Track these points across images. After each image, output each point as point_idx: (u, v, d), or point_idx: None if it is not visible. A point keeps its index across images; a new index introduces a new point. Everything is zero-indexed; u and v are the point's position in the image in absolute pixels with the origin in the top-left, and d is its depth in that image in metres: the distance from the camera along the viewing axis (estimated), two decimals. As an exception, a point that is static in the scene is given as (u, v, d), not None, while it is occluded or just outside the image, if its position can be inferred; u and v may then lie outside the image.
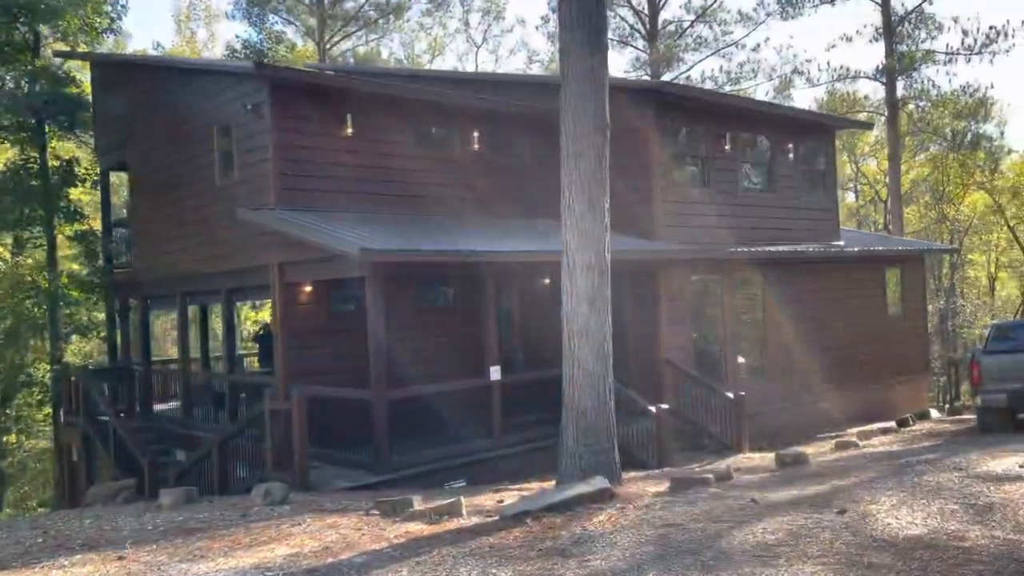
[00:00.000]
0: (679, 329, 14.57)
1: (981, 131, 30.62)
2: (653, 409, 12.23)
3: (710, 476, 8.49)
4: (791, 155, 17.02)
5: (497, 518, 6.84)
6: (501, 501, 8.55)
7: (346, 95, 12.98)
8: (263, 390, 11.57)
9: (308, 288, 12.45)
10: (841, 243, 18.10)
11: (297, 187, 12.50)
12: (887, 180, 45.37)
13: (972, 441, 11.87)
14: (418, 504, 7.65)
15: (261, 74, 12.25)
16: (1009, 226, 43.05)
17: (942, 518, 6.01)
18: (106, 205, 17.37)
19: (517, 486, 10.53)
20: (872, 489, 7.23)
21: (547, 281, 14.61)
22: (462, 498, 7.20)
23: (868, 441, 13.32)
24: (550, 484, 9.39)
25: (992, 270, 48.50)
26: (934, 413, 19.20)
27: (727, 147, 15.62)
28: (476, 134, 14.53)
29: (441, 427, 11.81)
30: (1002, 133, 49.22)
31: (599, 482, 7.03)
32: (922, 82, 30.60)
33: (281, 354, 12.04)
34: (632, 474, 11.32)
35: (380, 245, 10.31)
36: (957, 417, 18.41)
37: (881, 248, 18.83)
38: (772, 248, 15.85)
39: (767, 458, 12.31)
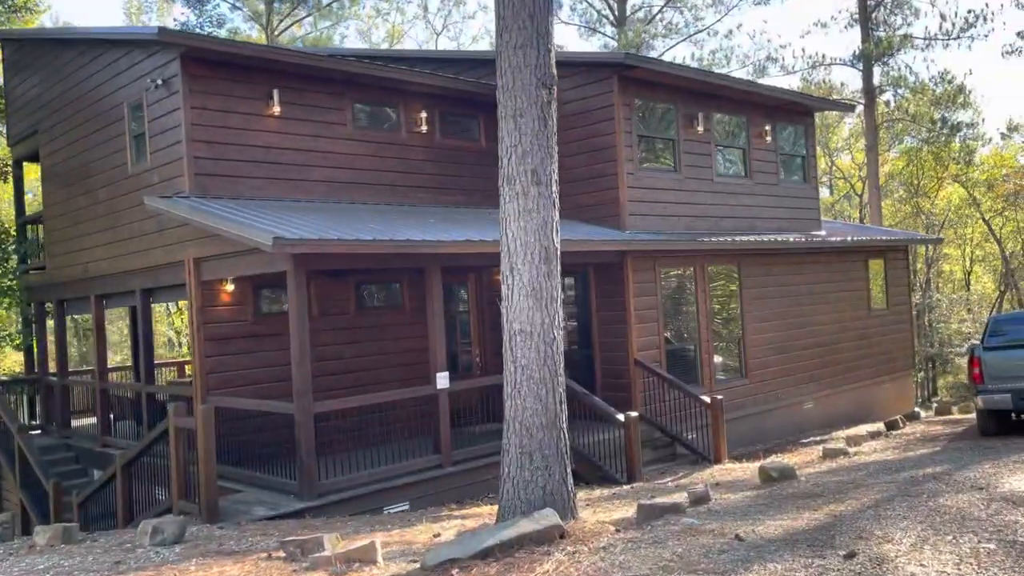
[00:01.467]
0: (650, 327, 13.26)
1: (959, 120, 29.66)
2: (621, 417, 10.90)
3: (684, 500, 7.16)
4: (769, 138, 15.78)
5: (417, 567, 5.45)
6: (438, 535, 7.17)
7: (272, 70, 11.52)
8: (184, 403, 10.07)
9: (230, 287, 10.98)
10: (822, 233, 16.91)
11: (216, 172, 11.02)
12: (862, 174, 44.72)
13: (976, 447, 10.66)
14: (331, 544, 6.23)
15: (169, 42, 10.75)
16: (984, 219, 42.41)
17: (979, 564, 4.70)
18: (19, 200, 15.75)
19: (463, 511, 9.14)
20: (881, 519, 5.92)
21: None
22: (377, 543, 5.78)
23: (858, 448, 12.09)
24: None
25: (967, 264, 47.94)
26: (922, 413, 18.08)
27: (700, 129, 14.34)
28: (424, 115, 13.13)
29: (383, 443, 10.39)
30: (983, 120, 48.43)
31: (547, 517, 5.66)
32: (899, 69, 29.63)
33: (198, 362, 10.55)
34: (597, 492, 9.97)
35: (301, 234, 8.87)
36: (947, 417, 17.30)
37: (865, 238, 17.66)
38: (750, 238, 14.61)
39: (749, 470, 11.02)
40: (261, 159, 11.45)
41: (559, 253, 6.24)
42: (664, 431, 12.59)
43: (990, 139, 35.48)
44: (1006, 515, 5.73)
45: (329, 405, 9.63)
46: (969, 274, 48.57)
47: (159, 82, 11.00)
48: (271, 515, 8.79)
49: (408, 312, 12.89)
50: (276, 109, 11.45)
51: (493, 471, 10.51)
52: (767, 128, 15.75)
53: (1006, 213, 41.84)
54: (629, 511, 7.52)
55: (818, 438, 15.07)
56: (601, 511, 8.11)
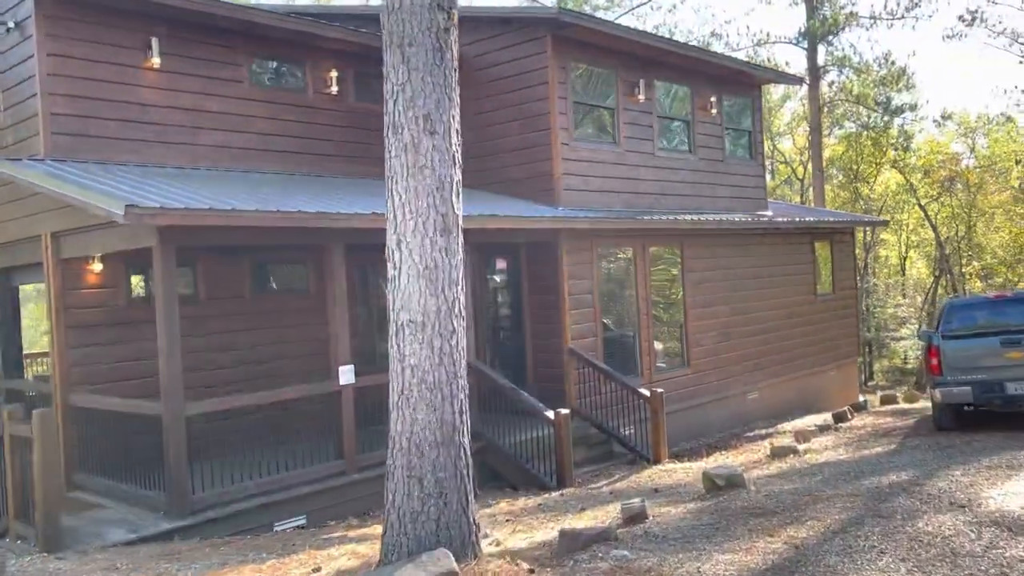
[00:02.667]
0: (586, 313, 12.09)
1: (902, 102, 29.23)
2: (551, 414, 9.70)
3: (616, 521, 5.99)
4: (714, 111, 14.71)
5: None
6: (317, 570, 5.86)
7: (151, 15, 9.92)
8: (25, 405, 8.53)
9: (98, 266, 9.42)
10: (769, 214, 15.96)
11: (82, 133, 9.43)
12: (803, 158, 44.50)
13: (935, 445, 9.75)
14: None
15: (18, -25, 9.10)
16: (920, 205, 42.55)
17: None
18: None
19: (362, 530, 7.83)
20: (853, 553, 4.82)
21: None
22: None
23: (808, 444, 11.11)
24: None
25: (903, 249, 48.22)
26: (869, 402, 17.34)
27: (641, 97, 13.16)
28: (335, 74, 11.66)
29: (280, 447, 9.00)
30: (927, 101, 48.51)
31: (439, 561, 4.40)
32: (843, 49, 29.02)
33: (56, 354, 8.99)
34: (521, 502, 8.74)
35: (163, 203, 7.40)
36: (894, 407, 16.54)
37: (812, 219, 16.79)
38: (694, 217, 13.53)
39: (692, 472, 9.94)
40: (138, 119, 9.87)
41: (461, 223, 4.95)
42: (600, 427, 11.46)
43: (922, 128, 35.27)
44: (1005, 549, 4.67)
45: (203, 406, 8.20)
46: (905, 259, 48.92)
47: (11, 24, 9.33)
48: (130, 539, 7.35)
49: (315, 297, 11.46)
50: (155, 61, 9.88)
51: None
52: (712, 100, 14.67)
53: (941, 199, 42.07)
54: (552, 532, 6.33)
55: (764, 431, 14.14)
56: (520, 531, 6.90)
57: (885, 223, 21.16)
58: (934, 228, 42.09)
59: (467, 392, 4.95)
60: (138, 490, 8.29)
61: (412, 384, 4.72)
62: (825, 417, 15.04)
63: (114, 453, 8.65)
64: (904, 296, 45.80)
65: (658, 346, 13.69)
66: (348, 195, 10.12)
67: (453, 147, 4.96)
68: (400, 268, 4.76)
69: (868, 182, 44.53)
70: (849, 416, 14.19)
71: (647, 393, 10.96)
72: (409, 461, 4.75)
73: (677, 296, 13.92)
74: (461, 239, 4.93)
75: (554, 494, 9.12)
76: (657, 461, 10.83)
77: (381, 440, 9.84)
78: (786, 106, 48.15)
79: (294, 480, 8.71)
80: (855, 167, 44.69)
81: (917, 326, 41.64)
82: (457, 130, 5.01)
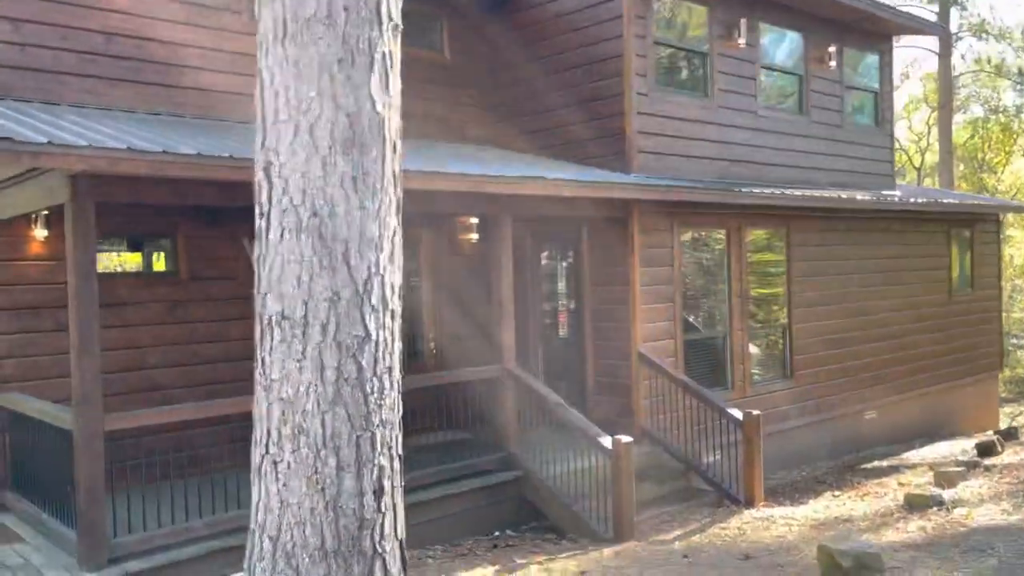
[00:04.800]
0: (662, 310, 9.63)
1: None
2: (607, 442, 7.31)
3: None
4: (833, 64, 11.91)
5: None
6: None
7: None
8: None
9: (41, 232, 7.53)
10: (897, 194, 13.04)
11: (21, 65, 7.57)
12: (922, 144, 40.49)
13: None
14: None
15: None
16: (1055, 197, 37.97)
17: None
18: None
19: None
20: None
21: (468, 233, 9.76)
22: None
23: (955, 491, 8.37)
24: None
25: (1032, 248, 43.32)
26: (1020, 428, 14.19)
27: (741, 42, 10.53)
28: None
29: (244, 472, 6.92)
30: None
31: None
32: (978, 14, 25.26)
33: (-18, 342, 7.17)
34: (560, 563, 6.41)
35: (64, 139, 5.38)
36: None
37: (952, 201, 13.76)
38: (805, 193, 10.84)
39: (796, 525, 7.40)
40: (101, 50, 7.96)
41: (391, 129, 2.62)
42: (676, 455, 9.00)
43: None
44: None
45: (134, 419, 6.18)
46: (1033, 259, 43.99)
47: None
48: (13, 599, 5.40)
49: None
50: (125, -20, 7.94)
51: (421, 512, 7.13)
52: (831, 50, 11.86)
53: (1080, 191, 37.43)
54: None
55: (886, 462, 11.36)
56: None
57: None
58: (1070, 224, 37.41)
59: (398, 450, 2.67)
60: (57, 524, 6.35)
61: (283, 435, 2.48)
62: (964, 447, 12.14)
63: (47, 470, 6.74)
64: (1033, 300, 41.24)
65: (752, 350, 11.10)
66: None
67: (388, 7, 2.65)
68: (269, 216, 2.52)
69: (995, 172, 40.34)
70: (998, 448, 11.24)
71: (739, 416, 8.43)
72: (275, 555, 2.50)
73: (780, 292, 11.25)
74: (398, 166, 2.64)
75: (607, 551, 6.75)
76: (750, 504, 8.31)
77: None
78: (903, 87, 43.95)
79: (234, 522, 6.60)
80: (981, 155, 40.58)
81: (1050, 333, 37.17)
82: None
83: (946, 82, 25.11)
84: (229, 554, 6.31)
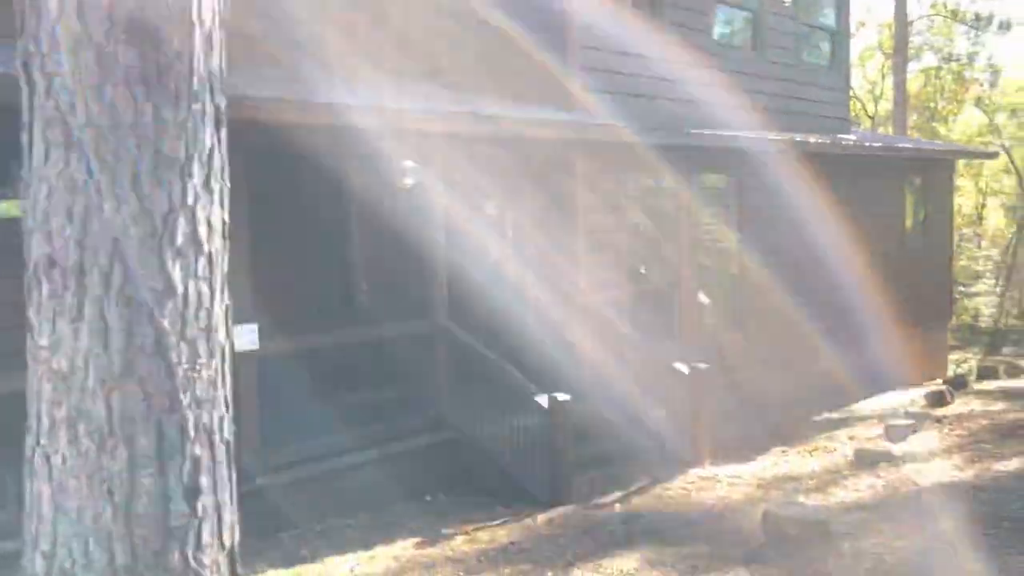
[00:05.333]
0: (609, 258, 9.12)
1: (1007, 17, 25.08)
2: (543, 400, 6.81)
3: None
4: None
5: None
6: None
7: None
8: None
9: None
10: (852, 138, 12.62)
11: None
12: (877, 91, 40.39)
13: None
14: None
15: None
16: (1005, 147, 38.20)
17: None
18: None
19: (273, 558, 5.12)
20: None
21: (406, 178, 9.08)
22: None
23: (904, 445, 8.09)
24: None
25: (981, 198, 43.79)
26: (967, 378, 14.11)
27: (693, -28, 9.89)
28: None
29: None
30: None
31: None
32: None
33: None
34: (487, 533, 5.91)
35: None
36: (998, 384, 13.31)
37: (909, 147, 13.39)
38: (758, 135, 10.33)
39: (742, 485, 7.05)
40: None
41: (202, 9, 1.96)
42: (622, 412, 8.55)
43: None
44: None
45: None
46: (982, 208, 44.53)
47: None
48: None
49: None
50: None
51: (349, 477, 6.61)
52: (787, -15, 11.30)
53: (1030, 142, 37.69)
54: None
55: (837, 414, 11.12)
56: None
57: (993, 155, 17.54)
58: (1019, 174, 37.72)
59: (226, 436, 2.07)
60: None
61: (56, 420, 1.88)
62: (914, 396, 11.97)
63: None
64: (980, 247, 41.90)
65: (704, 301, 10.68)
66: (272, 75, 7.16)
67: None
68: (31, 128, 1.89)
69: (947, 121, 40.51)
70: (948, 398, 11.05)
71: (685, 369, 7.99)
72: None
73: (731, 238, 10.81)
74: (214, 66, 2.00)
75: (541, 517, 6.29)
76: (696, 461, 7.92)
77: (325, 423, 7.16)
78: (858, 35, 43.72)
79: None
80: (933, 105, 40.64)
81: (994, 281, 37.70)
82: None
83: (901, 27, 24.75)
84: None
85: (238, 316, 6.15)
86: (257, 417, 6.40)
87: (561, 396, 6.70)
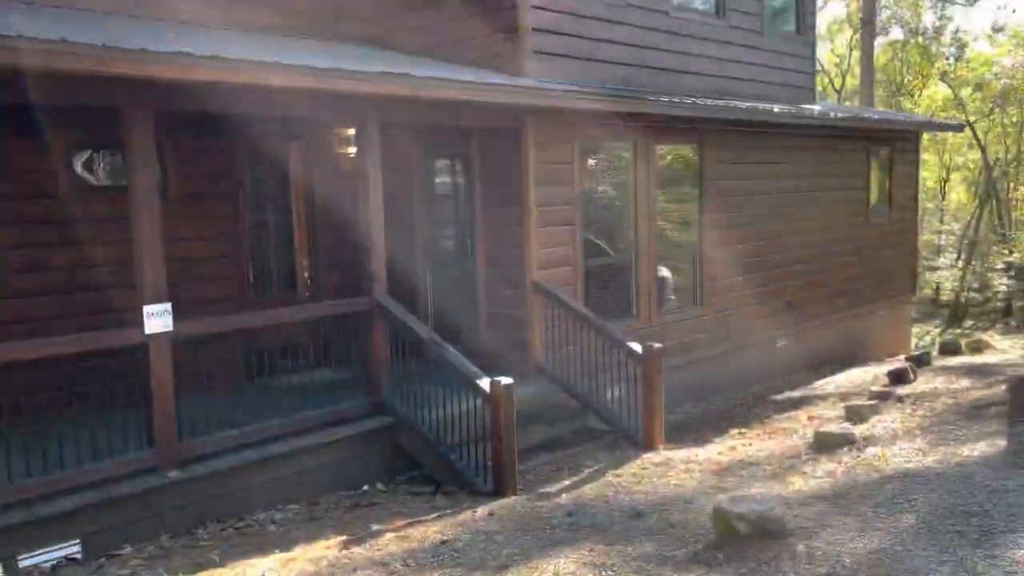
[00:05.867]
0: (562, 233, 8.67)
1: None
2: (485, 383, 6.37)
3: None
4: (753, -38, 10.88)
5: None
6: None
7: None
8: None
9: None
10: (817, 108, 12.25)
11: None
12: (844, 66, 40.29)
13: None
14: None
15: None
16: (969, 122, 38.33)
17: None
18: None
19: (179, 556, 4.65)
20: None
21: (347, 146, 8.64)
22: None
23: (867, 427, 7.77)
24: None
25: (944, 172, 44.00)
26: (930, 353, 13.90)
27: (653, -69, 9.37)
28: None
29: (47, 431, 5.78)
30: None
31: None
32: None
33: None
34: (420, 529, 5.46)
35: None
36: (962, 361, 13.09)
37: (875, 118, 13.06)
38: (719, 103, 9.90)
39: (697, 471, 6.69)
40: None
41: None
42: (574, 394, 8.16)
43: (976, 37, 31.23)
44: None
45: None
46: (945, 183, 44.78)
47: None
48: None
49: (174, 200, 8.05)
50: None
51: (279, 467, 6.15)
52: (751, -53, 10.82)
53: (992, 117, 37.79)
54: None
55: (798, 392, 10.83)
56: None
57: (960, 127, 17.32)
58: (982, 148, 37.84)
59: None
60: None
61: None
62: (877, 373, 11.71)
63: None
64: (942, 222, 42.26)
65: (665, 275, 10.30)
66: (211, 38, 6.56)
67: None
68: None
69: (912, 96, 40.62)
70: (911, 375, 10.77)
71: (639, 350, 7.59)
72: None
73: (691, 213, 10.41)
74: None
75: (481, 510, 5.87)
76: (649, 447, 7.55)
77: (246, 409, 6.62)
78: (826, 8, 43.62)
79: (65, 483, 5.50)
80: (900, 79, 40.71)
81: (955, 255, 37.92)
82: None
83: (868, 2, 24.40)
84: (22, 530, 5.21)
85: (150, 295, 5.61)
86: (172, 404, 5.88)
87: (504, 380, 6.25)
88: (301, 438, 6.72)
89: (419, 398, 6.96)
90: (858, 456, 6.73)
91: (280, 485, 6.50)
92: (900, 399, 9.19)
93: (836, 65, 43.40)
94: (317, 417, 6.89)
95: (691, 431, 8.86)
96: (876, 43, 36.43)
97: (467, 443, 6.70)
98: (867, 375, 11.79)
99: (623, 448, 7.64)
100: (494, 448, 6.31)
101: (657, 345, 7.58)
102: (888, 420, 8.04)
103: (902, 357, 12.96)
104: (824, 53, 44.48)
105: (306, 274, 9.28)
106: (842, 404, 9.33)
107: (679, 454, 7.39)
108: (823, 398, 10.23)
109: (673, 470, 6.87)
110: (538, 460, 7.28)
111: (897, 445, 7.00)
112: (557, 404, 8.17)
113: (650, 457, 7.29)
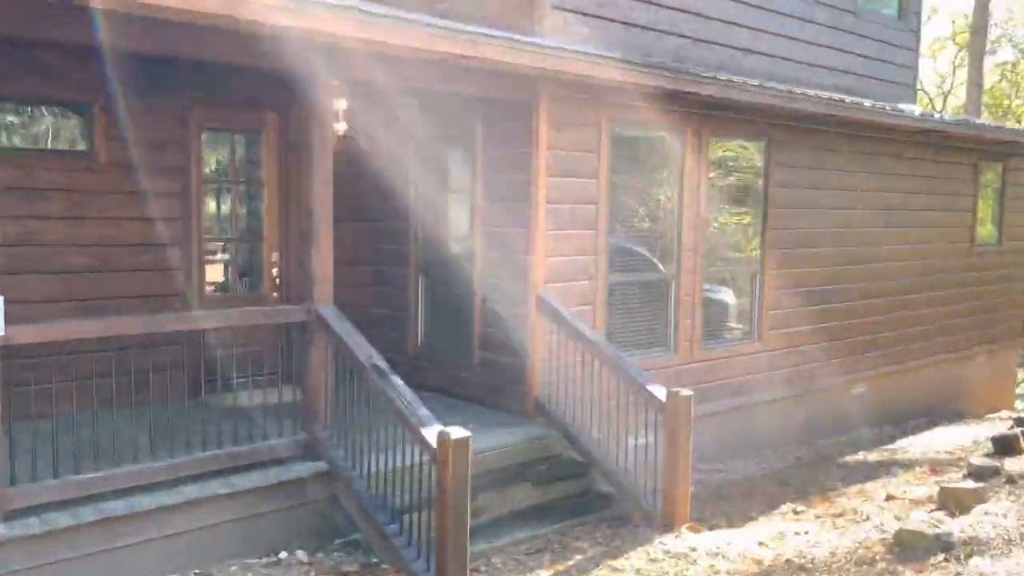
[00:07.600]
0: (580, 237, 6.87)
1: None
2: (431, 435, 4.60)
3: None
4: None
5: None
6: None
7: None
8: None
9: None
10: (917, 109, 10.14)
11: None
12: (946, 85, 37.53)
13: None
14: None
15: None
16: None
17: None
18: None
19: None
20: None
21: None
22: None
23: (968, 520, 5.72)
24: None
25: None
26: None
27: None
28: None
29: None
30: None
31: None
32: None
33: None
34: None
35: None
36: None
37: (989, 124, 10.85)
38: (793, 91, 7.94)
39: (732, 572, 4.80)
40: None
41: None
42: (577, 444, 6.34)
43: None
44: None
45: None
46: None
47: None
48: None
49: (105, 166, 6.59)
50: None
51: (173, 520, 4.54)
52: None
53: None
54: None
55: (874, 455, 8.76)
56: None
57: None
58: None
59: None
60: None
61: None
62: (975, 435, 9.56)
63: None
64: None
65: (719, 298, 8.41)
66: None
67: None
68: None
69: (1020, 122, 37.58)
70: (1021, 444, 8.57)
71: (661, 396, 5.72)
72: None
73: (750, 225, 8.47)
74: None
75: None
76: (668, 525, 5.66)
77: (125, 448, 4.97)
78: (929, 23, 40.59)
79: None
80: (1007, 103, 37.76)
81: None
82: None
83: (981, 10, 21.79)
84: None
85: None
86: (4, 434, 4.32)
87: (458, 433, 4.49)
88: (208, 483, 5.11)
89: (364, 441, 5.27)
90: (957, 568, 4.75)
91: (171, 546, 4.90)
92: (1011, 480, 7.04)
93: (938, 87, 40.47)
94: (232, 457, 5.27)
95: (731, 499, 6.96)
96: (984, 64, 33.58)
97: (416, 508, 4.96)
98: (963, 437, 9.62)
99: (633, 525, 5.78)
100: (437, 524, 4.55)
101: (685, 392, 5.69)
102: (998, 513, 5.95)
103: (1006, 415, 10.70)
104: (926, 72, 41.47)
105: (275, 271, 7.71)
106: (932, 478, 7.29)
107: (707, 540, 5.50)
108: (907, 466, 8.14)
109: (693, 567, 5.00)
110: (515, 536, 5.48)
111: (1014, 557, 4.98)
112: (555, 456, 6.37)
113: (667, 543, 5.43)
